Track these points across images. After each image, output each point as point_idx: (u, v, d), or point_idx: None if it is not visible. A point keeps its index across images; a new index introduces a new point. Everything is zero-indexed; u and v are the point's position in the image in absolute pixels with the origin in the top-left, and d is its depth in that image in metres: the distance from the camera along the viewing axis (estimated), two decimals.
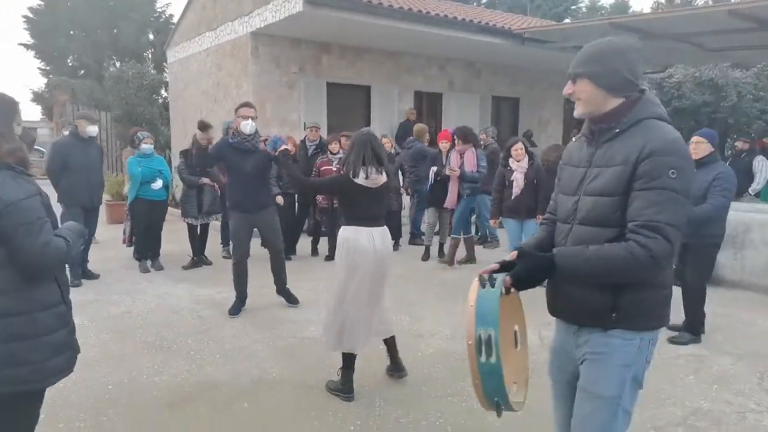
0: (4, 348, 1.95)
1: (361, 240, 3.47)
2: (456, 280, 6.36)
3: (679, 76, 13.06)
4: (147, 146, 6.62)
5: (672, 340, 4.53)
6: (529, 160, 6.15)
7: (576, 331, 1.92)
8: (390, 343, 3.77)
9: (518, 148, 6.15)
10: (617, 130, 1.81)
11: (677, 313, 4.77)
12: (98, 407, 3.37)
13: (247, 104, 5.10)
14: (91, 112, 8.35)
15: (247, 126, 4.92)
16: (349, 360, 3.51)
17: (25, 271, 1.99)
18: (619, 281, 1.77)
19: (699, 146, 4.48)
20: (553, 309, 2.00)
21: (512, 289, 1.76)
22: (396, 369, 3.78)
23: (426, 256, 7.50)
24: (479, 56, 12.04)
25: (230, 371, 3.90)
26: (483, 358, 1.59)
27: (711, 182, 4.36)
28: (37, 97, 25.41)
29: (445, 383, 3.73)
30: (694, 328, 4.58)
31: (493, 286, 1.71)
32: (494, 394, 1.63)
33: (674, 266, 6.02)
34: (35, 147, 2.09)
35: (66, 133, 6.55)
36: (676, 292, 4.75)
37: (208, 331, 4.68)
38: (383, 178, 3.57)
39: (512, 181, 6.10)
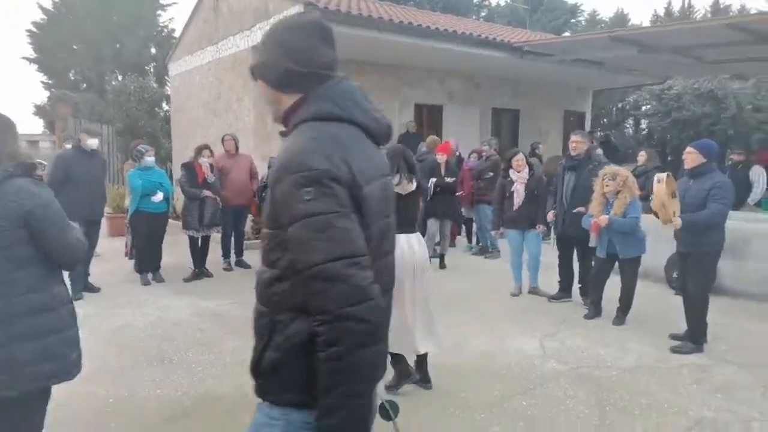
0: (41, 343, 2.05)
1: (399, 245, 3.65)
2: (461, 291, 6.33)
3: (679, 88, 13.15)
4: (150, 159, 6.64)
5: (674, 350, 4.52)
6: (529, 171, 6.19)
7: None
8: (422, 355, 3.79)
9: (519, 160, 6.19)
10: (285, 139, 1.41)
11: (679, 322, 4.77)
12: (99, 421, 3.36)
13: None
14: (94, 126, 8.34)
15: None
16: (397, 357, 3.58)
17: (56, 265, 2.14)
18: (371, 378, 1.33)
19: (688, 156, 4.56)
20: None
21: None
22: (423, 380, 3.82)
23: None
24: (479, 69, 12.10)
25: (231, 384, 3.89)
26: None
27: (708, 191, 4.38)
28: (40, 111, 25.56)
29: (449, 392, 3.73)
30: (696, 337, 4.57)
31: None
32: None
33: (675, 277, 6.06)
34: (38, 160, 2.22)
35: (69, 146, 6.58)
36: (678, 300, 4.81)
37: (209, 344, 4.67)
38: (412, 186, 3.90)
39: (513, 192, 6.14)
